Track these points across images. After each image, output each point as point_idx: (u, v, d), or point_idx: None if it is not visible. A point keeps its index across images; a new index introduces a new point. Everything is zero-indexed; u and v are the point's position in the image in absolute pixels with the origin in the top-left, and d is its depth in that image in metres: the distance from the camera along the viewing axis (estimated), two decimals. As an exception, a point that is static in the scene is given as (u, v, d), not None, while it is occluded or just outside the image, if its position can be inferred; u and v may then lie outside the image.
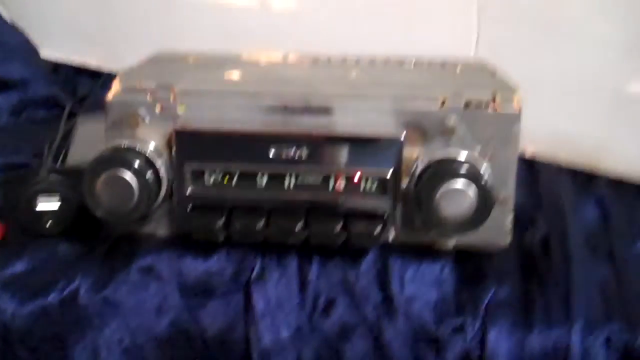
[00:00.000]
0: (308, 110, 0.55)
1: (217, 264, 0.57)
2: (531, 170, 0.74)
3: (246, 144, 0.54)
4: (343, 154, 0.54)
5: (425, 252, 0.58)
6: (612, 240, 0.63)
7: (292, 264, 0.57)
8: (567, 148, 0.74)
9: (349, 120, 0.55)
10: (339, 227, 0.54)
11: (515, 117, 0.54)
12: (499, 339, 0.55)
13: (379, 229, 0.54)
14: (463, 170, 0.52)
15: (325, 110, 0.55)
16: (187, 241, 0.56)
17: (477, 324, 0.55)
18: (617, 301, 0.56)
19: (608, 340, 0.54)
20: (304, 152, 0.54)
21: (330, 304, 0.56)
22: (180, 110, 0.55)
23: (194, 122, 0.55)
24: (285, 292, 0.56)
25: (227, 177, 0.56)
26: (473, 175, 0.52)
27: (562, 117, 0.74)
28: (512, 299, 0.57)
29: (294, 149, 0.54)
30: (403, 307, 0.56)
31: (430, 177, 0.52)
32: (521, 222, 0.57)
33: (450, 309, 0.56)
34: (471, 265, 0.59)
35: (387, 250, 0.58)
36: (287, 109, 0.55)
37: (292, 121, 0.55)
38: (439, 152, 0.55)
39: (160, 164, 0.55)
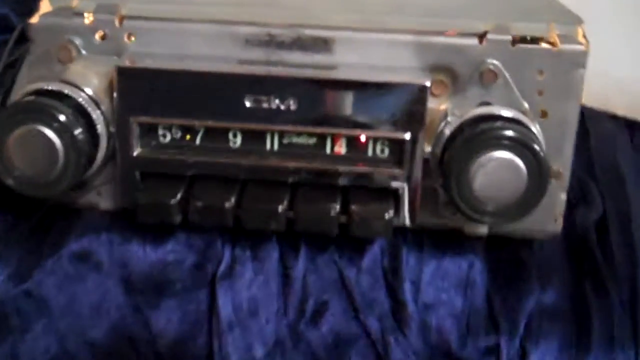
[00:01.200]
0: (300, 44, 0.40)
1: (173, 253, 0.43)
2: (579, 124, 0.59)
3: (215, 90, 0.40)
4: (345, 106, 0.40)
5: (448, 242, 0.44)
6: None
7: (272, 255, 0.43)
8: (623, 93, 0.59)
9: (354, 58, 0.40)
10: (336, 207, 0.40)
11: (580, 58, 0.40)
12: (544, 361, 0.41)
13: (390, 211, 0.40)
14: (510, 133, 0.38)
15: (323, 45, 0.40)
16: (135, 220, 0.42)
17: (516, 343, 0.41)
18: None
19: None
20: (292, 103, 0.40)
21: (320, 310, 0.42)
22: (128, 40, 0.41)
23: (145, 58, 0.40)
24: (261, 294, 0.42)
25: (188, 135, 0.41)
26: (524, 140, 0.38)
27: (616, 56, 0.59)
28: (560, 308, 0.43)
29: (279, 98, 0.40)
30: (418, 317, 0.42)
31: (465, 141, 0.38)
32: (569, 199, 0.43)
33: (480, 322, 0.42)
34: (507, 261, 0.44)
35: (398, 238, 0.43)
36: (271, 43, 0.40)
37: (278, 59, 0.40)
38: (475, 106, 0.40)
39: (98, 115, 0.40)
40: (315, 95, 0.40)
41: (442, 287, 0.42)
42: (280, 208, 0.40)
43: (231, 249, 0.42)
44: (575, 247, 0.46)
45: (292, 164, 0.41)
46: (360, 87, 0.39)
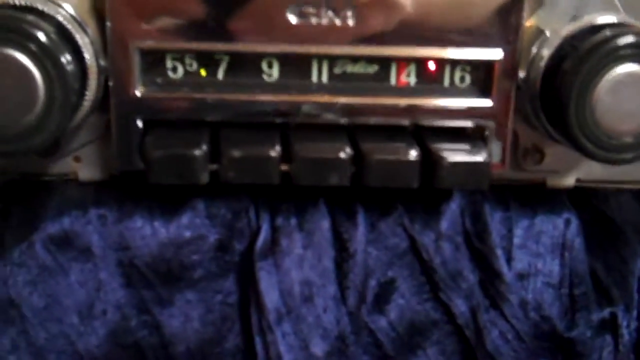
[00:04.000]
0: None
1: (190, 228, 0.32)
2: None
3: (242, 1, 0.29)
4: (416, 19, 0.30)
5: (536, 197, 0.35)
6: None
7: (323, 224, 0.33)
8: None
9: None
10: (414, 153, 0.30)
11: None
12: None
13: (483, 153, 0.30)
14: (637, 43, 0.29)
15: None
16: (136, 188, 0.31)
17: (634, 315, 0.32)
18: None
19: None
20: (350, 16, 0.30)
21: (386, 292, 0.32)
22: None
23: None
24: (314, 274, 0.32)
25: (207, 66, 0.31)
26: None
27: None
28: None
29: (332, 10, 0.30)
30: (512, 290, 0.32)
31: (581, 58, 0.29)
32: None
33: (587, 292, 0.33)
34: (598, 218, 0.36)
35: (476, 195, 0.34)
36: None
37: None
38: (569, 20, 0.31)
39: (85, 42, 0.29)
40: (379, 6, 0.30)
41: (537, 251, 0.33)
42: (343, 155, 0.30)
43: (269, 218, 0.32)
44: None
45: (348, 100, 0.31)
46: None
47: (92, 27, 0.30)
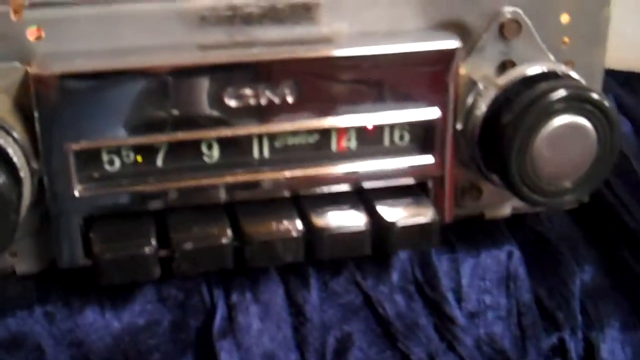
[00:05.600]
0: (273, 15, 0.30)
1: (143, 314, 0.32)
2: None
3: (177, 90, 0.28)
4: (353, 88, 0.30)
5: (475, 233, 0.36)
6: None
7: (277, 292, 0.33)
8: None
9: (344, 27, 0.30)
10: (364, 219, 0.30)
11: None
12: (614, 350, 0.34)
13: (432, 211, 0.31)
14: (576, 92, 0.30)
15: (304, 14, 0.30)
16: (81, 279, 0.30)
17: (579, 336, 0.34)
18: None
19: None
20: (288, 93, 0.29)
21: (344, 347, 0.33)
22: (35, 37, 0.28)
23: (65, 60, 0.28)
24: (275, 345, 0.32)
25: (145, 155, 0.30)
26: (593, 98, 0.30)
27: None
28: (606, 284, 0.37)
29: (270, 89, 0.29)
30: (466, 331, 0.33)
31: (519, 114, 0.29)
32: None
33: (535, 320, 0.34)
34: (534, 242, 0.37)
35: (422, 240, 0.34)
36: (234, 18, 0.30)
37: (246, 38, 0.30)
38: (497, 66, 0.32)
39: (14, 148, 0.28)
40: (315, 80, 0.29)
41: (485, 287, 0.34)
42: (296, 234, 0.29)
43: (224, 295, 0.32)
44: (595, 214, 0.40)
45: (291, 172, 0.31)
46: (371, 62, 0.30)
47: (18, 128, 0.28)
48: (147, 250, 0.28)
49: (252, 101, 0.29)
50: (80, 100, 0.28)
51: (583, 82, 0.31)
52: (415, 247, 0.32)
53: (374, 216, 0.30)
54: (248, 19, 0.30)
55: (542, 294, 0.35)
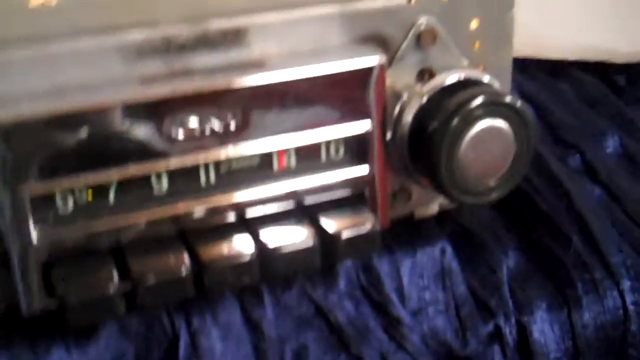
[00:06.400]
0: (206, 42, 0.31)
1: (109, 349, 0.32)
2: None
3: (123, 126, 0.29)
4: (292, 110, 0.32)
5: (408, 233, 0.38)
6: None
7: (235, 313, 0.34)
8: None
9: (274, 48, 0.32)
10: (313, 234, 0.32)
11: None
12: (544, 329, 0.37)
13: (372, 219, 0.33)
14: (491, 99, 0.32)
15: (234, 38, 0.32)
16: (65, 326, 0.30)
17: (512, 321, 0.37)
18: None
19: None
20: (232, 120, 0.31)
21: (300, 356, 0.34)
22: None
23: (7, 106, 0.28)
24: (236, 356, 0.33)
25: (97, 191, 0.30)
26: (504, 103, 0.33)
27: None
28: (531, 268, 0.40)
29: (218, 117, 0.31)
30: (413, 329, 0.36)
31: (447, 118, 0.32)
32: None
33: (472, 311, 0.37)
34: (461, 235, 0.40)
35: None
36: (169, 48, 0.31)
37: (182, 67, 0.31)
38: (416, 74, 0.34)
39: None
40: (254, 106, 0.31)
41: (424, 285, 0.37)
42: (250, 257, 0.31)
43: (185, 321, 0.33)
44: (512, 201, 0.43)
45: (237, 195, 0.32)
46: (301, 83, 0.31)
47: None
48: (111, 290, 0.29)
49: (196, 131, 0.30)
50: (28, 144, 0.28)
51: (496, 84, 0.34)
52: (361, 255, 0.34)
53: (319, 231, 0.32)
54: (183, 48, 0.31)
55: (474, 284, 0.38)
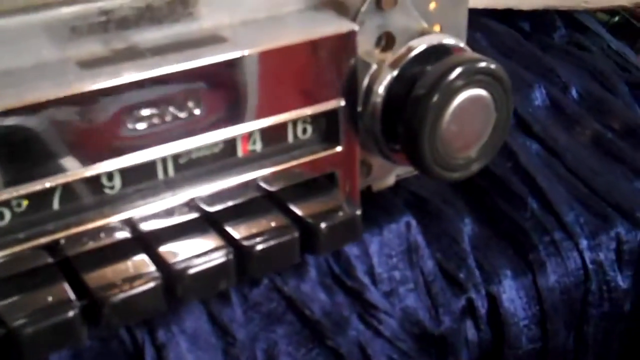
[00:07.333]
0: (150, 15, 0.27)
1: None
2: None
3: (67, 123, 0.25)
4: (254, 89, 0.28)
5: (369, 209, 0.35)
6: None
7: (201, 318, 0.30)
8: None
9: (225, 17, 0.28)
10: (293, 228, 0.29)
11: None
12: (512, 297, 0.36)
13: (351, 212, 0.30)
14: (471, 67, 0.30)
15: (182, 9, 0.27)
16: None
17: (482, 292, 0.36)
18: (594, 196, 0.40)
19: (618, 244, 0.39)
20: (193, 105, 0.27)
21: (272, 355, 0.31)
22: None
23: None
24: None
25: (38, 200, 0.26)
26: (484, 71, 0.30)
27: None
28: (489, 234, 0.38)
29: (174, 105, 0.26)
30: (389, 313, 0.33)
31: (428, 91, 0.29)
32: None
33: (443, 287, 0.35)
34: (416, 206, 0.38)
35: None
36: (109, 23, 0.26)
37: (125, 44, 0.26)
38: (376, 38, 0.31)
39: None
40: (217, 86, 0.27)
41: (393, 264, 0.34)
42: (225, 256, 0.27)
43: (148, 334, 0.29)
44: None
45: (200, 188, 0.28)
46: (269, 57, 0.28)
47: None
48: (70, 314, 0.24)
49: (155, 120, 0.26)
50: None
51: (469, 51, 0.32)
52: (344, 243, 0.31)
53: (298, 222, 0.29)
54: (123, 23, 0.27)
55: (441, 259, 0.36)
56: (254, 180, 0.29)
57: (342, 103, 0.29)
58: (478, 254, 0.37)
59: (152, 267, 0.26)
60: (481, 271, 0.36)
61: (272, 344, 0.31)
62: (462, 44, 0.31)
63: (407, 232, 0.35)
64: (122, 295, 0.25)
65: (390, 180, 0.36)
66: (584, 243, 0.38)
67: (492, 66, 0.30)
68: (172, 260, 0.27)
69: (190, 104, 0.26)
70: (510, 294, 0.36)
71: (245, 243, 0.27)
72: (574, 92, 0.50)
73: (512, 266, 0.37)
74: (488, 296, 0.36)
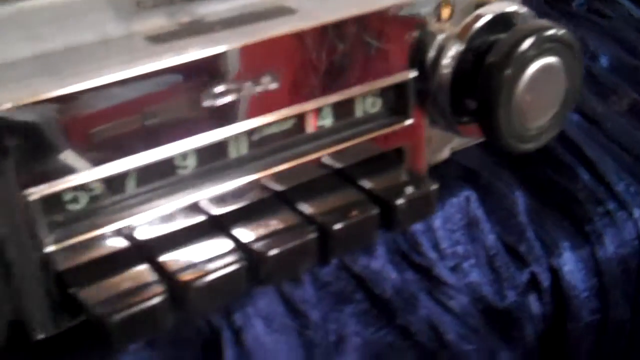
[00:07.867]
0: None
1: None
2: None
3: (142, 101, 0.24)
4: (330, 60, 0.27)
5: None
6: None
7: (275, 300, 0.29)
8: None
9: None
10: (371, 204, 0.28)
11: None
12: (572, 270, 0.36)
13: (426, 188, 0.29)
14: (543, 36, 0.29)
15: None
16: (112, 349, 0.25)
17: (544, 265, 0.35)
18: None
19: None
20: (270, 79, 0.26)
21: (341, 336, 0.31)
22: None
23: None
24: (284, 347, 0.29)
25: (114, 184, 0.25)
26: (556, 38, 0.29)
27: None
28: (540, 206, 0.38)
29: (251, 80, 0.25)
30: (457, 289, 0.33)
31: (502, 60, 0.28)
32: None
33: (506, 261, 0.34)
34: (472, 179, 0.37)
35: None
36: None
37: (190, 18, 0.25)
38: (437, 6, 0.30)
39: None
40: (290, 60, 0.26)
41: (456, 238, 0.34)
42: (305, 237, 0.26)
43: (224, 318, 0.28)
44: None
45: (271, 166, 0.27)
46: (341, 28, 0.27)
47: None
48: (155, 301, 0.23)
49: (232, 97, 0.25)
50: (24, 139, 0.22)
51: (536, 17, 0.31)
52: (419, 219, 0.30)
53: (377, 200, 0.28)
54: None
55: (502, 232, 0.35)
56: (324, 157, 0.28)
57: (412, 74, 0.28)
58: (535, 227, 0.36)
59: (235, 250, 0.25)
60: (541, 244, 0.36)
61: (342, 324, 0.31)
62: (524, 10, 0.30)
63: (467, 206, 0.34)
64: (207, 278, 0.24)
65: (445, 153, 0.35)
66: (637, 212, 0.37)
67: (562, 32, 0.29)
68: (252, 241, 0.26)
69: (265, 79, 0.25)
70: (570, 266, 0.36)
71: (326, 221, 0.26)
72: (603, 61, 0.50)
73: (570, 238, 0.36)
74: (550, 270, 0.35)
